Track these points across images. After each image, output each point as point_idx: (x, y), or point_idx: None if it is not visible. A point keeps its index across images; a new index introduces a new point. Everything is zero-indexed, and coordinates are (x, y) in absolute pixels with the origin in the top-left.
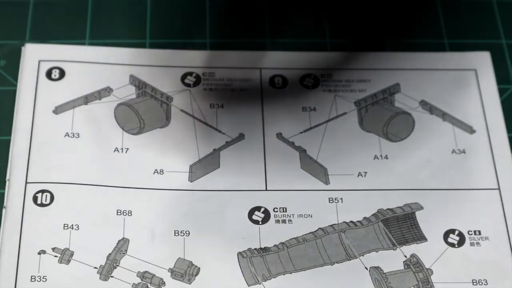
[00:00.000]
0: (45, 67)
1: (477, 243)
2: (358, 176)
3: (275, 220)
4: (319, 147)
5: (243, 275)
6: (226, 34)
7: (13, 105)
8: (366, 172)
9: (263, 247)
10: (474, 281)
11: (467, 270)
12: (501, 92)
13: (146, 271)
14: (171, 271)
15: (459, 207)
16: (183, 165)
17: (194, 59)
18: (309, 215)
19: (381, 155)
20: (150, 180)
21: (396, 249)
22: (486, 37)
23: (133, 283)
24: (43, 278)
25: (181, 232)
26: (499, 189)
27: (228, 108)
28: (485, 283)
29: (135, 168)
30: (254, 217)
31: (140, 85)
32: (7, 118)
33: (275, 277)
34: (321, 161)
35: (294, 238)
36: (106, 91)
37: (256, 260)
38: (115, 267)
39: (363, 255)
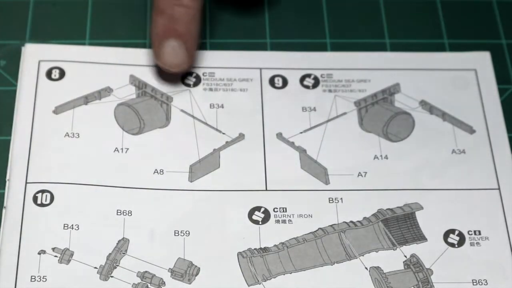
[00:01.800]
0: (45, 67)
1: (477, 243)
2: (358, 176)
3: (275, 220)
4: (319, 147)
5: (243, 275)
6: (226, 34)
7: (13, 105)
8: (366, 172)
9: (263, 247)
10: (474, 281)
11: (467, 270)
12: (501, 92)
13: (146, 271)
14: (171, 271)
15: (459, 207)
16: (183, 165)
17: None
18: (309, 215)
19: (381, 155)
20: (150, 180)
21: (396, 249)
22: (486, 37)
23: (133, 283)
24: (43, 278)
25: (181, 232)
26: (499, 189)
27: (228, 108)
28: (485, 283)
29: (135, 168)
30: (254, 217)
31: (140, 85)
32: (7, 118)
33: (275, 277)
34: (321, 161)
35: (294, 238)
36: (106, 91)
37: (256, 260)
38: (115, 267)
39: (363, 255)
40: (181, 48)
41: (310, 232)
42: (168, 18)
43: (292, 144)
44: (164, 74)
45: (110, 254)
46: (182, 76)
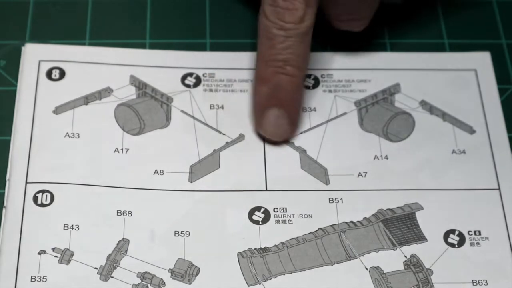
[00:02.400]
0: (45, 67)
1: (477, 243)
2: (358, 176)
3: (275, 220)
4: (319, 147)
5: (243, 275)
6: (226, 35)
7: (13, 105)
8: (366, 172)
9: (263, 247)
10: (474, 281)
11: (467, 270)
12: (501, 92)
13: (146, 272)
14: (171, 271)
15: (459, 207)
16: (183, 166)
17: (194, 60)
18: (309, 215)
19: (381, 155)
20: (150, 181)
21: (396, 249)
22: (486, 37)
23: (133, 284)
24: (43, 278)
25: (181, 233)
26: (499, 189)
27: (228, 108)
28: (485, 283)
29: (135, 168)
30: (254, 217)
31: (140, 85)
32: (7, 118)
33: (275, 277)
34: (321, 161)
35: (294, 238)
36: (106, 92)
37: (256, 260)
38: (115, 268)
39: (363, 255)
40: (284, 118)
41: (310, 232)
42: (271, 87)
43: (292, 144)
44: (164, 75)
45: (110, 254)
46: (182, 76)
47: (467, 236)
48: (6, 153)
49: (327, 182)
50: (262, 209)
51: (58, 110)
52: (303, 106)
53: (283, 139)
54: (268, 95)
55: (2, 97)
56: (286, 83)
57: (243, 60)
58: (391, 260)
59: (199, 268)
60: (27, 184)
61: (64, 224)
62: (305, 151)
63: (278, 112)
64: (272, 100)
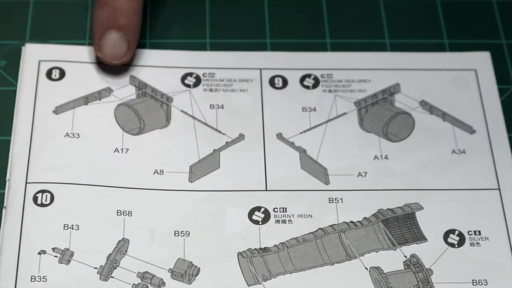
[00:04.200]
0: (45, 67)
1: (477, 243)
2: (358, 176)
3: (275, 220)
4: (319, 147)
5: (243, 275)
6: (226, 34)
7: (13, 105)
8: (366, 172)
9: (263, 247)
10: (474, 281)
11: (467, 270)
12: (501, 92)
13: (146, 272)
14: (171, 271)
15: (459, 207)
16: (183, 166)
17: (194, 59)
18: (309, 215)
19: (381, 155)
20: (150, 181)
21: (396, 249)
22: (486, 37)
23: (133, 284)
24: (43, 278)
25: (181, 233)
26: (499, 189)
27: (228, 108)
28: (485, 283)
29: (135, 168)
30: (254, 217)
31: (140, 85)
32: (7, 118)
33: (275, 277)
34: (321, 161)
35: (294, 238)
36: (106, 92)
37: (256, 260)
38: (115, 268)
39: (363, 255)
40: (122, 40)
41: (310, 232)
42: (110, 10)
43: (292, 144)
44: (164, 75)
45: (110, 254)
46: (182, 76)
47: (467, 236)
48: (6, 153)
49: (327, 182)
50: (262, 209)
51: (58, 110)
52: (302, 106)
53: (121, 61)
54: (107, 18)
55: (2, 97)
56: (124, 6)
57: (243, 59)
58: (391, 260)
59: (199, 268)
60: (27, 184)
61: (64, 224)
62: (305, 151)
63: (117, 35)
64: (110, 23)
